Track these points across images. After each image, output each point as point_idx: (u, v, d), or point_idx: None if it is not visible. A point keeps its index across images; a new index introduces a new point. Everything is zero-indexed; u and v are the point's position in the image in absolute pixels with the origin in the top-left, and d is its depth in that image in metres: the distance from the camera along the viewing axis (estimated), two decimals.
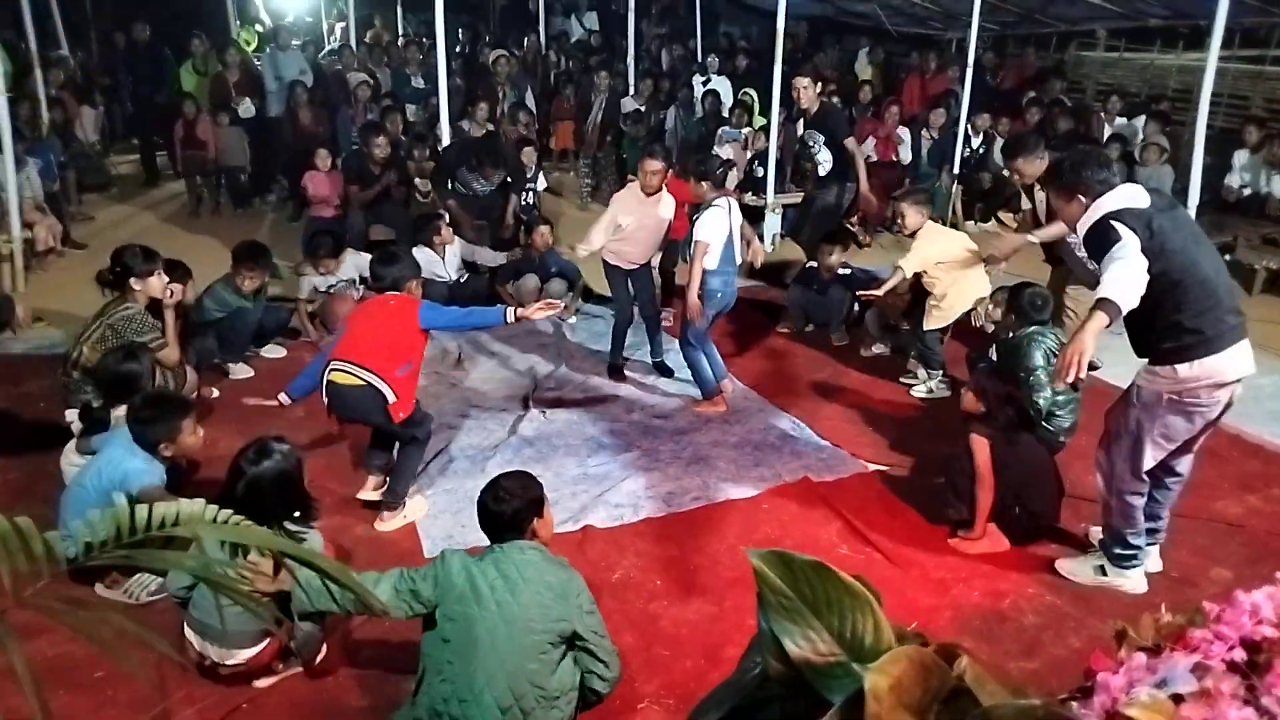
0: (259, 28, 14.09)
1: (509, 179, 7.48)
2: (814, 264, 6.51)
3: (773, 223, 8.78)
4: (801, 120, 7.60)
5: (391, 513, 4.16)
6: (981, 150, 9.55)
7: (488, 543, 2.78)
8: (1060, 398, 4.38)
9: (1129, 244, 3.03)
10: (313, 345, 5.98)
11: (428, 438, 4.30)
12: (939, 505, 4.10)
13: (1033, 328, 4.53)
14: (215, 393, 5.28)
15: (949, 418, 4.81)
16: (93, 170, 9.86)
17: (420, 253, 6.52)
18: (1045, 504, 3.95)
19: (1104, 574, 3.66)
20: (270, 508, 2.94)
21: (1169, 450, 3.43)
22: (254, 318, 5.60)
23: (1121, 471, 3.47)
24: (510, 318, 4.15)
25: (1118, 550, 3.61)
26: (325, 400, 4.04)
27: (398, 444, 4.25)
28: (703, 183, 5.07)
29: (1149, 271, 3.03)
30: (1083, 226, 3.30)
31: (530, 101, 10.70)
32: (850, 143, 7.18)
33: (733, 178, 8.64)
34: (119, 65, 12.79)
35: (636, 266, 5.57)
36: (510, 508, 2.71)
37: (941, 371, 5.52)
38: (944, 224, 9.31)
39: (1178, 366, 3.23)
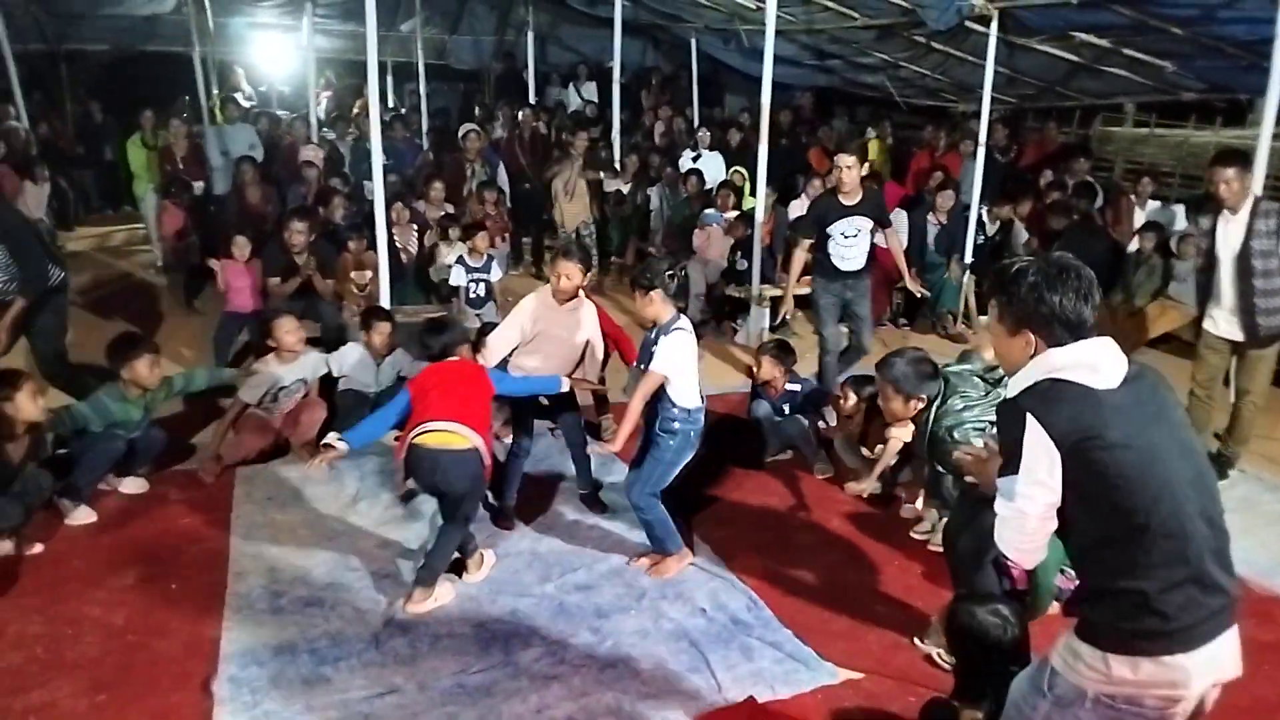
0: (240, 96, 13.43)
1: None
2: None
3: (759, 316, 7.80)
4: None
5: (425, 591, 3.87)
6: (998, 238, 8.55)
7: None
8: None
9: (1025, 503, 2.07)
10: (189, 476, 5.01)
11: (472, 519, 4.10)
12: None
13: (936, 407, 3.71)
14: (38, 547, 4.27)
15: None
16: None
17: (352, 350, 5.60)
18: None
19: None
20: None
21: None
22: (119, 441, 4.62)
23: None
24: (565, 386, 4.40)
25: None
26: (404, 464, 3.94)
27: (445, 516, 4.04)
28: (651, 294, 3.91)
29: (1081, 500, 2.05)
30: (1016, 382, 2.19)
31: (503, 179, 9.83)
32: (892, 233, 6.22)
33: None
34: (91, 137, 12.27)
35: None
36: None
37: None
38: (954, 320, 8.33)
39: (1113, 659, 2.04)
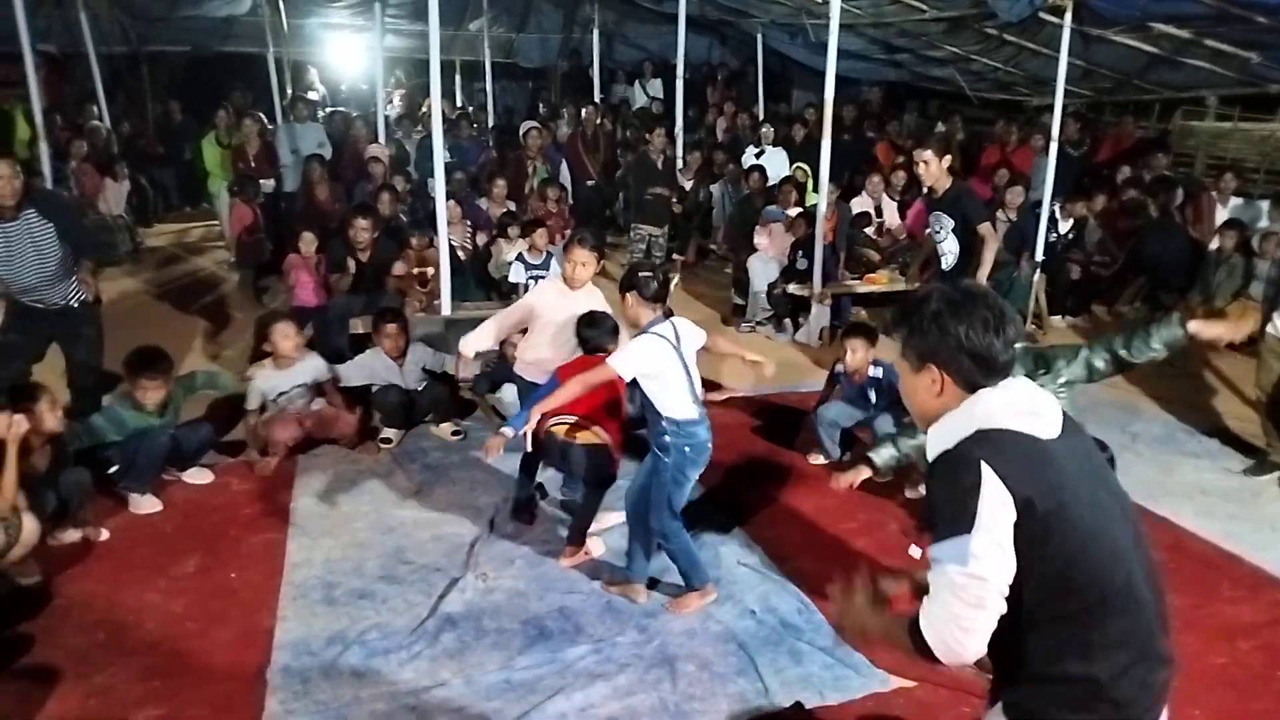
0: (312, 94, 13.72)
1: None
2: (840, 367, 5.37)
3: (820, 315, 7.69)
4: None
5: (574, 549, 4.25)
6: (1070, 235, 8.30)
7: None
8: None
9: (982, 566, 1.71)
10: (247, 467, 5.11)
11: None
12: None
13: None
14: (104, 534, 4.40)
15: None
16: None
17: (375, 357, 5.65)
18: None
19: None
20: None
21: None
22: (163, 438, 4.72)
23: None
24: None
25: None
26: (531, 443, 3.84)
27: (584, 485, 4.29)
28: (626, 295, 3.70)
29: (1030, 574, 1.74)
30: (934, 437, 1.87)
31: (566, 177, 9.87)
32: (985, 228, 5.69)
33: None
34: (171, 136, 12.64)
35: None
36: None
37: None
38: (1024, 320, 8.11)
39: None
